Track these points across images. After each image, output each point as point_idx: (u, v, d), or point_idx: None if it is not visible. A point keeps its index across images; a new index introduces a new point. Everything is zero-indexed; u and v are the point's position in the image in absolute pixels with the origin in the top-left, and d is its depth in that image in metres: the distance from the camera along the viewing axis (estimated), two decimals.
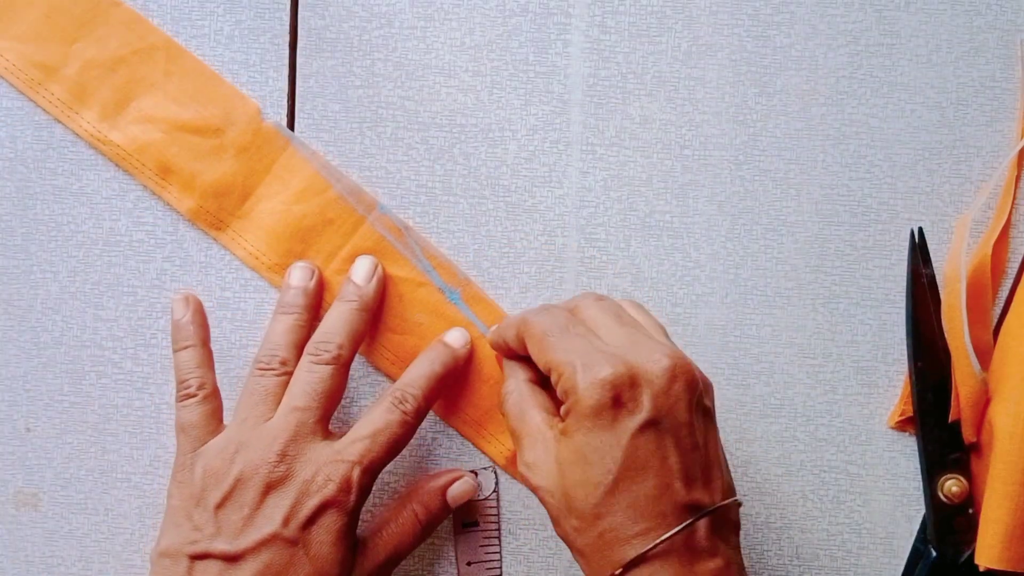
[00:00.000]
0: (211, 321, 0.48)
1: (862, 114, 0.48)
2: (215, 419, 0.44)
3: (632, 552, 0.36)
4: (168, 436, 0.48)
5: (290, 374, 0.44)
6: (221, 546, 0.40)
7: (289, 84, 0.49)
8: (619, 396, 0.37)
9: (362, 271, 0.46)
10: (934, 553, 0.46)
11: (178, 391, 0.44)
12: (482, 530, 0.47)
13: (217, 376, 0.48)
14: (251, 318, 0.48)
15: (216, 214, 0.48)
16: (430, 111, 0.49)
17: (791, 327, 0.48)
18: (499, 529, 0.48)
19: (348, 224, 0.48)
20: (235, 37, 0.49)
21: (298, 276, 0.46)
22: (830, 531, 0.48)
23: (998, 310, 0.47)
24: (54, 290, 0.48)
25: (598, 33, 0.48)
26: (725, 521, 0.38)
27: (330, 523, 0.41)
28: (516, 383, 0.42)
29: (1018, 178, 0.48)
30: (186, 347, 0.45)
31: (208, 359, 0.45)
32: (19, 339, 0.48)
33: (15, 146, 0.48)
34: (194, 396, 0.44)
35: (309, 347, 0.44)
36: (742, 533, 0.40)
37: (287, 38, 0.49)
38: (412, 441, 0.44)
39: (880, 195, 0.48)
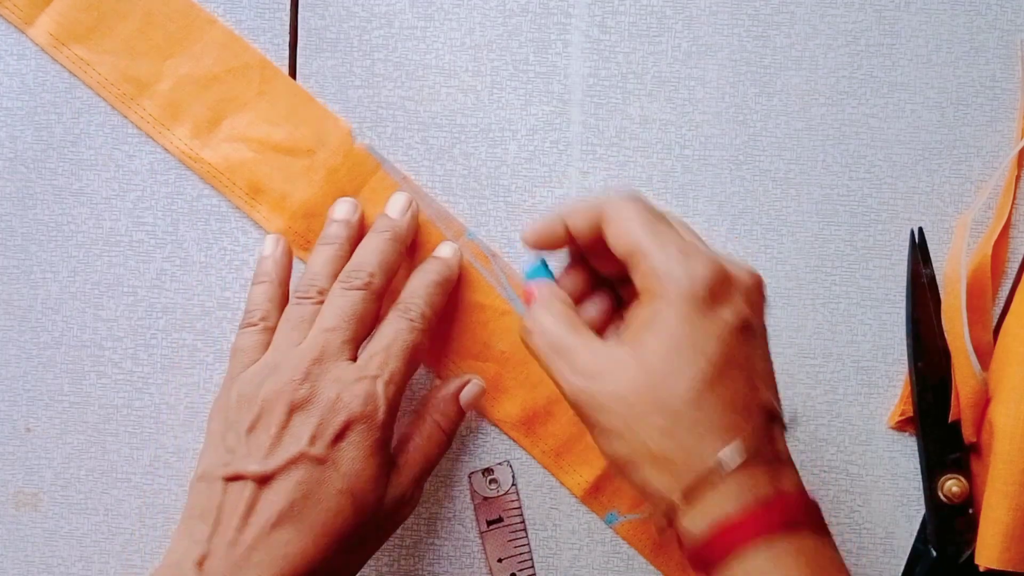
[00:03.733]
0: (211, 321, 0.48)
1: (862, 114, 0.48)
2: (265, 349, 0.44)
3: (721, 446, 0.36)
4: (168, 436, 0.48)
5: None
6: (252, 467, 0.40)
7: None
8: (716, 290, 0.37)
9: (397, 205, 0.46)
10: (934, 553, 0.46)
11: (242, 319, 0.45)
12: (507, 525, 0.47)
13: (217, 374, 0.48)
14: None
15: (305, 235, 0.48)
16: (430, 111, 0.49)
17: (791, 327, 0.48)
18: (524, 522, 0.48)
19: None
20: None
21: (342, 210, 0.46)
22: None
23: (998, 310, 0.47)
24: (54, 290, 0.48)
25: (598, 33, 0.48)
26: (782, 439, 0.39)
27: (359, 440, 0.41)
28: (549, 306, 0.40)
29: (1018, 178, 0.48)
30: (263, 282, 0.46)
31: (280, 299, 0.46)
32: (19, 339, 0.48)
33: (15, 146, 0.48)
34: (254, 325, 0.44)
35: (341, 276, 0.44)
36: None
37: (287, 38, 0.49)
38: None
39: (880, 195, 0.48)
